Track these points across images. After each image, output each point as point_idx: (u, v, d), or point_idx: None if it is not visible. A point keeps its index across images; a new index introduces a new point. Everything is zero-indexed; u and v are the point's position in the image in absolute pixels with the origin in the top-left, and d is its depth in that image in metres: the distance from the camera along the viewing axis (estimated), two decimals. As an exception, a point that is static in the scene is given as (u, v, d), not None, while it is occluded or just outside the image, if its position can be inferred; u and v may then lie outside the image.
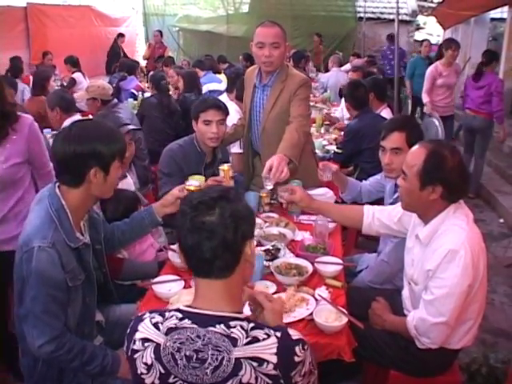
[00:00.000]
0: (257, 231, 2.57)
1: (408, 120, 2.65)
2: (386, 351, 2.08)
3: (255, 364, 1.21)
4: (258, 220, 2.77)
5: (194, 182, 2.40)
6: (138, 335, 1.31)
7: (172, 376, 1.25)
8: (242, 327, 1.26)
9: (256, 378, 1.21)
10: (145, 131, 4.57)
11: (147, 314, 1.34)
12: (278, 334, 1.26)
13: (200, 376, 1.23)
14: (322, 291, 2.10)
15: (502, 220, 5.36)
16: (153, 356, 1.26)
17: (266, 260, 2.26)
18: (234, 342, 1.23)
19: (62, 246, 1.77)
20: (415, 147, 1.96)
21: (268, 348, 1.23)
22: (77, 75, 7.73)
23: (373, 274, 2.54)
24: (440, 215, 1.92)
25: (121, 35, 10.88)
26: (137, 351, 1.29)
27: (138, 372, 1.28)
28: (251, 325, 1.27)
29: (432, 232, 1.93)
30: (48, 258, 1.72)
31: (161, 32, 11.06)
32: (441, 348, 1.95)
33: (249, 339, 1.24)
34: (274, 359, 1.22)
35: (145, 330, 1.31)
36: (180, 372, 1.25)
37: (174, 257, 2.31)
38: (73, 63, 7.79)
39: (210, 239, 1.27)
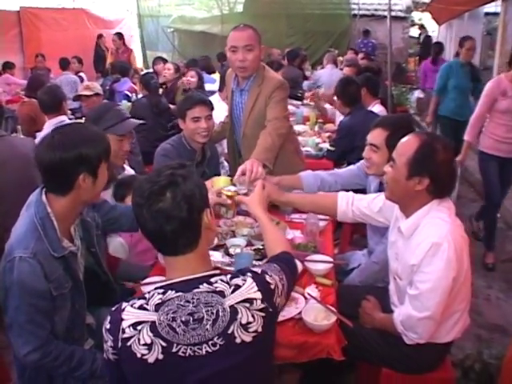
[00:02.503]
0: (247, 230, 2.57)
1: (399, 120, 2.48)
2: (377, 349, 2.07)
3: (247, 304, 1.35)
4: (249, 219, 2.76)
5: (231, 188, 2.38)
6: (124, 323, 1.32)
7: (174, 345, 1.30)
8: (222, 280, 1.38)
9: (253, 316, 1.35)
10: (136, 131, 4.57)
11: (124, 304, 1.37)
12: (250, 275, 1.42)
13: (202, 334, 1.31)
14: (312, 290, 2.09)
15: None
16: (151, 334, 1.30)
17: (256, 259, 2.25)
18: (221, 294, 1.35)
19: (44, 256, 1.73)
20: (408, 137, 1.94)
21: (251, 288, 1.38)
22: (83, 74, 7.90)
23: (363, 275, 2.53)
24: (423, 208, 1.91)
25: (100, 36, 10.54)
26: (129, 338, 1.30)
27: (138, 356, 1.29)
28: (228, 276, 1.41)
29: (414, 225, 1.92)
30: (29, 268, 1.69)
31: (120, 34, 9.54)
32: (430, 343, 1.94)
33: (232, 288, 1.37)
34: (259, 295, 1.37)
35: (131, 315, 1.33)
36: (181, 338, 1.30)
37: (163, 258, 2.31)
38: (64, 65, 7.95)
39: (169, 223, 1.34)
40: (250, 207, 2.08)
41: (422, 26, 12.56)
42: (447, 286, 1.82)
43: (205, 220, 1.42)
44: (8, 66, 8.39)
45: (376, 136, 2.38)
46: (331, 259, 2.33)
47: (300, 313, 1.91)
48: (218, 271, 1.45)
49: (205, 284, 1.36)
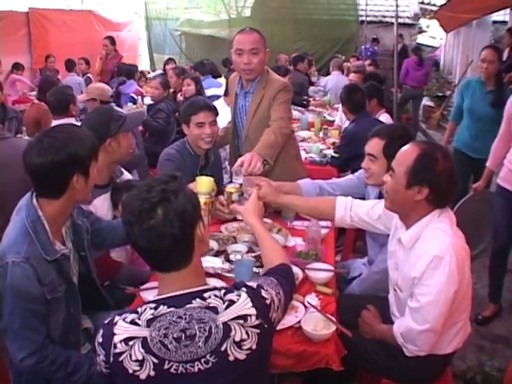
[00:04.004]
0: (248, 237, 2.54)
1: (395, 129, 2.45)
2: (377, 359, 2.04)
3: (241, 321, 1.32)
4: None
5: (205, 195, 2.33)
6: (116, 338, 1.29)
7: (166, 362, 1.27)
8: (215, 296, 1.35)
9: (247, 333, 1.31)
10: (149, 134, 4.62)
11: (117, 317, 1.34)
12: (245, 290, 1.38)
13: (194, 351, 1.28)
14: (312, 298, 2.07)
15: None
16: (142, 351, 1.27)
17: (256, 266, 2.23)
18: (214, 310, 1.31)
19: (37, 260, 1.72)
20: (408, 146, 1.91)
21: (245, 304, 1.34)
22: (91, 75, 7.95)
23: (364, 285, 2.52)
24: (424, 219, 1.89)
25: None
26: (121, 353, 1.28)
27: (130, 372, 1.27)
28: (222, 291, 1.37)
29: (415, 236, 1.89)
30: (22, 273, 1.68)
31: (112, 39, 8.42)
32: (431, 354, 1.92)
33: (226, 303, 1.33)
34: (254, 311, 1.34)
35: (123, 330, 1.30)
36: (173, 355, 1.27)
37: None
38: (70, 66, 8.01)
39: (161, 240, 1.30)
40: (245, 216, 2.02)
41: (400, 36, 12.68)
42: (448, 299, 1.80)
43: (198, 233, 1.38)
44: (17, 67, 8.46)
45: (373, 146, 2.35)
46: (332, 267, 2.30)
47: (299, 321, 1.88)
48: (211, 286, 1.41)
49: (198, 299, 1.32)
